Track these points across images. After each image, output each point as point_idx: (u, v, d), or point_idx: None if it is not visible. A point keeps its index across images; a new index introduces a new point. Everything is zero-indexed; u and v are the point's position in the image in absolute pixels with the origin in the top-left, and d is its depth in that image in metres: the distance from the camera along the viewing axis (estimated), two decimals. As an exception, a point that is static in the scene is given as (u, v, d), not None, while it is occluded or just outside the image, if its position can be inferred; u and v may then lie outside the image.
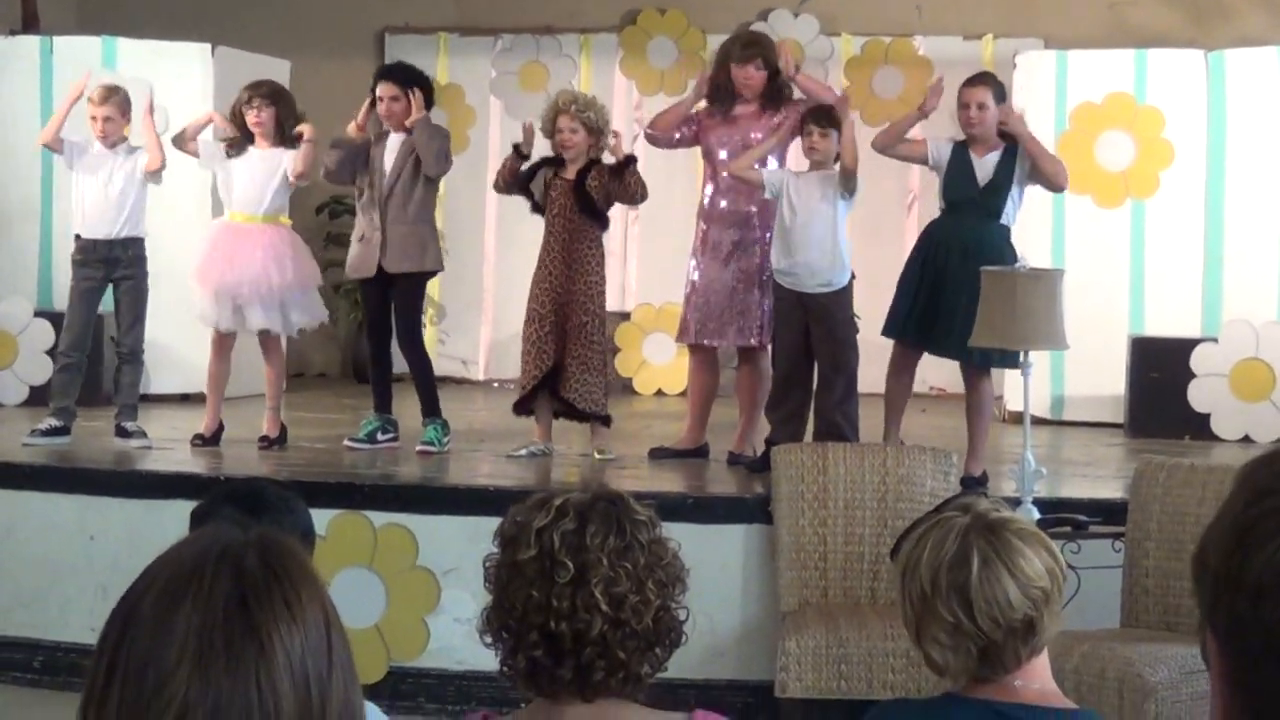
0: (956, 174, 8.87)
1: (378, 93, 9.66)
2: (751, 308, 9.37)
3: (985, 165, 8.81)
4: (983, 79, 9.07)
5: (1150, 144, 11.51)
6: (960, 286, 8.57)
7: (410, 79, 9.74)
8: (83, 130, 9.92)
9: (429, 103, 9.78)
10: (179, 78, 12.00)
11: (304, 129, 9.71)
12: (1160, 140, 11.49)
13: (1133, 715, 6.39)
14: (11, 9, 12.87)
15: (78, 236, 9.75)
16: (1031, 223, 11.48)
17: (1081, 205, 11.54)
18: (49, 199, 11.75)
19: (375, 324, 9.86)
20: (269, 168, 9.69)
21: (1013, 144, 8.83)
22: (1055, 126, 11.62)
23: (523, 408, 9.51)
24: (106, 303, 9.91)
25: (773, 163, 9.27)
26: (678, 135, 9.72)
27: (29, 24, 12.96)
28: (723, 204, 9.48)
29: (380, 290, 9.73)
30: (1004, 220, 8.83)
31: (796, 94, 9.56)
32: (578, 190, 9.28)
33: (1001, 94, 8.94)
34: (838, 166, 8.98)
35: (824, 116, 9.04)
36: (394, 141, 9.66)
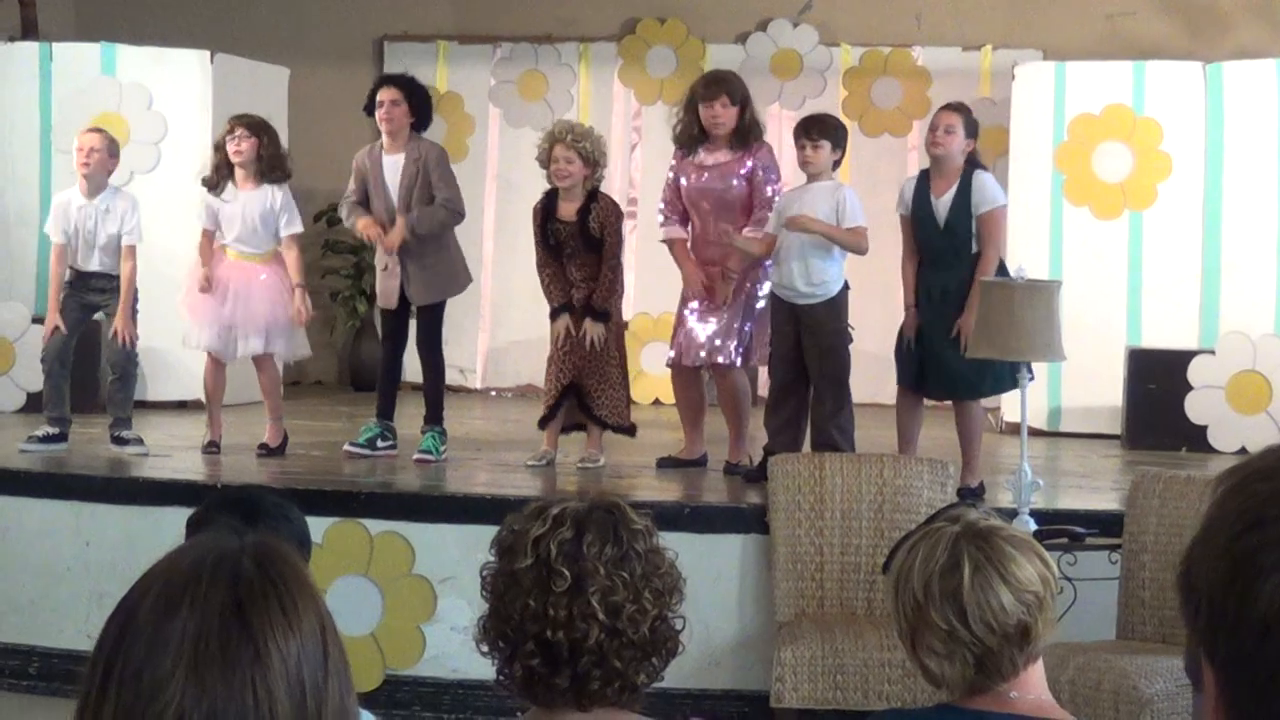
0: (921, 219, 8.90)
1: (378, 97, 9.64)
2: (733, 331, 9.40)
3: (943, 206, 8.83)
4: (957, 106, 9.13)
5: (1148, 155, 11.51)
6: (940, 334, 8.73)
7: (411, 85, 9.74)
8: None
9: (428, 115, 9.77)
10: (178, 84, 12.01)
11: (293, 247, 9.71)
12: (1158, 152, 11.50)
13: (1128, 727, 6.38)
14: (10, 16, 12.87)
15: (71, 268, 9.74)
16: (1029, 234, 11.50)
17: (1079, 216, 11.55)
18: (47, 205, 11.68)
19: (393, 331, 9.96)
20: (261, 208, 9.65)
21: (970, 168, 8.83)
22: (1053, 138, 11.63)
23: (544, 424, 9.60)
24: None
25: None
26: (677, 221, 9.71)
27: (28, 31, 12.96)
28: (709, 252, 9.53)
29: (401, 302, 9.81)
30: (974, 250, 8.81)
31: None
32: (583, 231, 9.33)
33: (974, 128, 8.94)
34: (835, 175, 9.02)
35: (813, 128, 9.04)
36: (392, 163, 9.63)
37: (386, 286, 9.78)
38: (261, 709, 1.67)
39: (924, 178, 8.98)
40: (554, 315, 9.51)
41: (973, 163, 8.90)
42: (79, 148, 9.64)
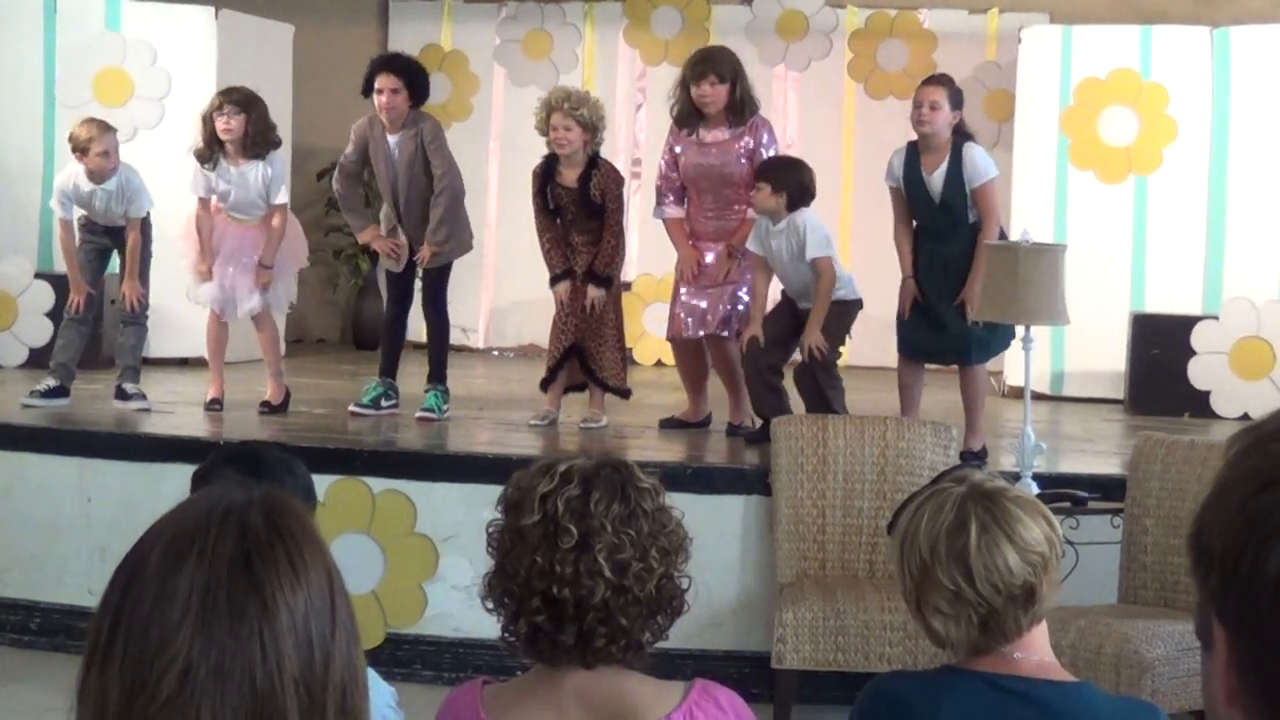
0: (914, 194, 8.88)
1: (376, 85, 9.57)
2: (728, 304, 9.40)
3: (935, 181, 8.80)
4: (940, 79, 9.06)
5: (1154, 120, 11.48)
6: (937, 297, 8.75)
7: (410, 70, 9.69)
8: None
9: (423, 95, 9.75)
10: (182, 40, 11.98)
11: (276, 215, 9.70)
12: (1164, 116, 11.47)
13: (1129, 691, 6.39)
14: (15, -30, 12.83)
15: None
16: (1034, 197, 11.49)
17: (1084, 181, 11.53)
18: (51, 158, 11.72)
19: (399, 292, 9.99)
20: (252, 178, 9.65)
21: (960, 140, 8.81)
22: (1059, 101, 11.60)
23: (546, 386, 9.63)
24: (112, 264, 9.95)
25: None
26: (675, 200, 9.68)
27: (32, -16, 12.91)
28: (708, 227, 9.52)
29: (408, 269, 9.85)
30: (972, 220, 8.79)
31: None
32: (583, 198, 9.33)
33: (958, 100, 8.89)
34: (786, 216, 8.89)
35: (759, 171, 9.00)
36: (394, 141, 9.63)
37: (384, 249, 9.81)
38: (269, 662, 1.67)
39: (913, 150, 8.91)
40: (554, 281, 9.52)
41: (961, 134, 8.86)
42: (87, 152, 9.51)
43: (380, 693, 3.79)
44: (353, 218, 10.02)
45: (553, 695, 3.05)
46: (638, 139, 13.88)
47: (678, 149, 9.57)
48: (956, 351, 8.88)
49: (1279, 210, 11.31)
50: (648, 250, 13.06)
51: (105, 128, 9.63)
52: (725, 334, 9.43)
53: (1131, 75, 11.53)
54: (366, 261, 13.46)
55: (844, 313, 8.99)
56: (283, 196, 9.74)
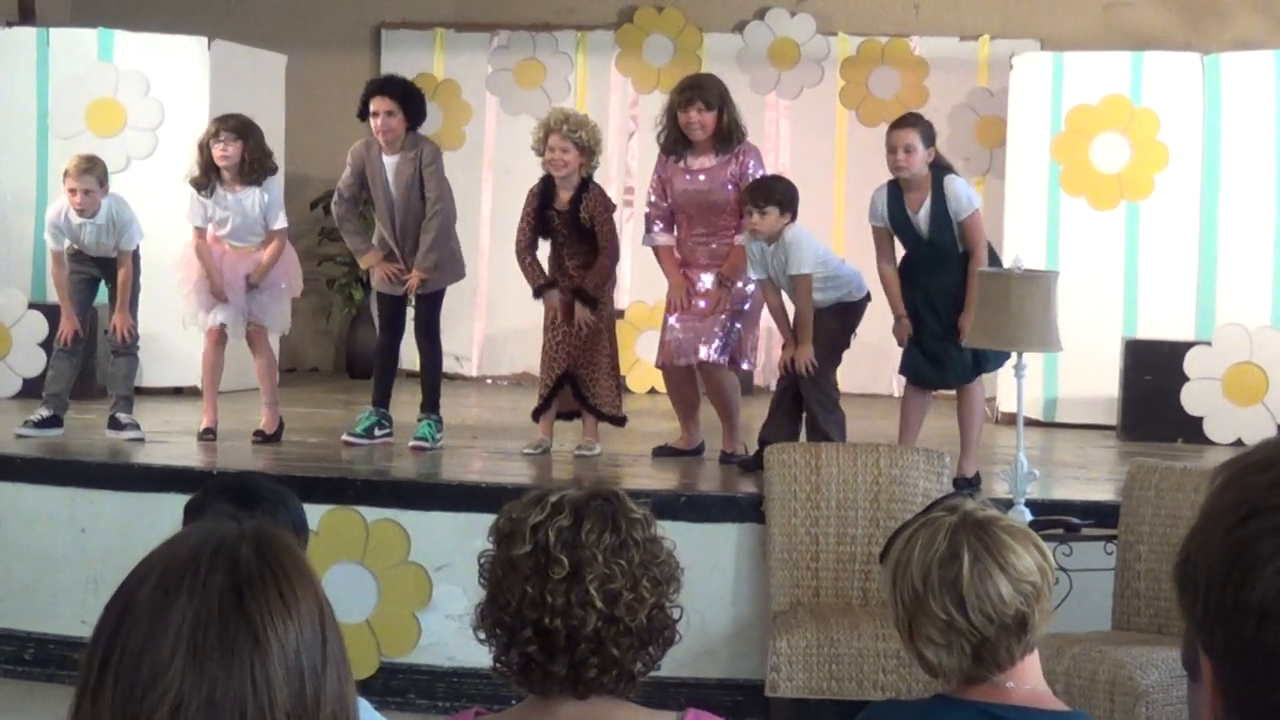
0: (902, 232, 8.88)
1: (372, 107, 9.57)
2: (719, 331, 9.38)
3: (922, 220, 8.79)
4: (910, 120, 9.00)
5: (1145, 146, 11.50)
6: (937, 329, 8.75)
7: (405, 92, 9.69)
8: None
9: (422, 115, 9.76)
10: (175, 70, 12.00)
11: (274, 240, 9.72)
12: (1155, 143, 11.49)
13: (1123, 718, 6.39)
14: (7, 1, 12.85)
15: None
16: (1026, 224, 11.51)
17: (1076, 207, 11.55)
18: (44, 189, 11.73)
19: (391, 321, 9.95)
20: (249, 205, 9.67)
21: (939, 174, 8.81)
22: (1051, 128, 11.62)
23: (539, 415, 9.61)
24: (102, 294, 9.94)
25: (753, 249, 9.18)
26: (664, 228, 9.68)
27: (25, 15, 12.95)
28: (697, 251, 9.51)
29: (400, 296, 9.83)
30: (960, 250, 8.80)
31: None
32: (574, 221, 9.35)
33: (930, 137, 8.87)
34: (779, 238, 8.92)
35: (759, 195, 8.97)
36: (391, 164, 9.62)
37: (387, 273, 9.79)
38: (260, 696, 1.67)
39: (894, 188, 8.89)
40: (540, 291, 9.50)
41: (939, 167, 8.85)
42: (70, 190, 9.56)
43: (373, 723, 3.78)
44: (354, 241, 9.97)
45: (544, 726, 3.05)
46: (630, 167, 13.89)
47: (665, 176, 9.58)
48: (959, 378, 8.88)
49: (1271, 235, 11.32)
50: (640, 278, 13.07)
51: (84, 168, 9.58)
52: (719, 361, 9.43)
53: (1123, 102, 11.55)
54: (360, 290, 13.47)
55: (848, 312, 9.00)
56: (281, 222, 9.76)
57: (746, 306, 9.43)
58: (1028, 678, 3.26)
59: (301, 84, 13.05)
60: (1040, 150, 11.63)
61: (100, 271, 9.77)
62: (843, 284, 9.00)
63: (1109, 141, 11.55)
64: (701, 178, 9.45)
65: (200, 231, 9.71)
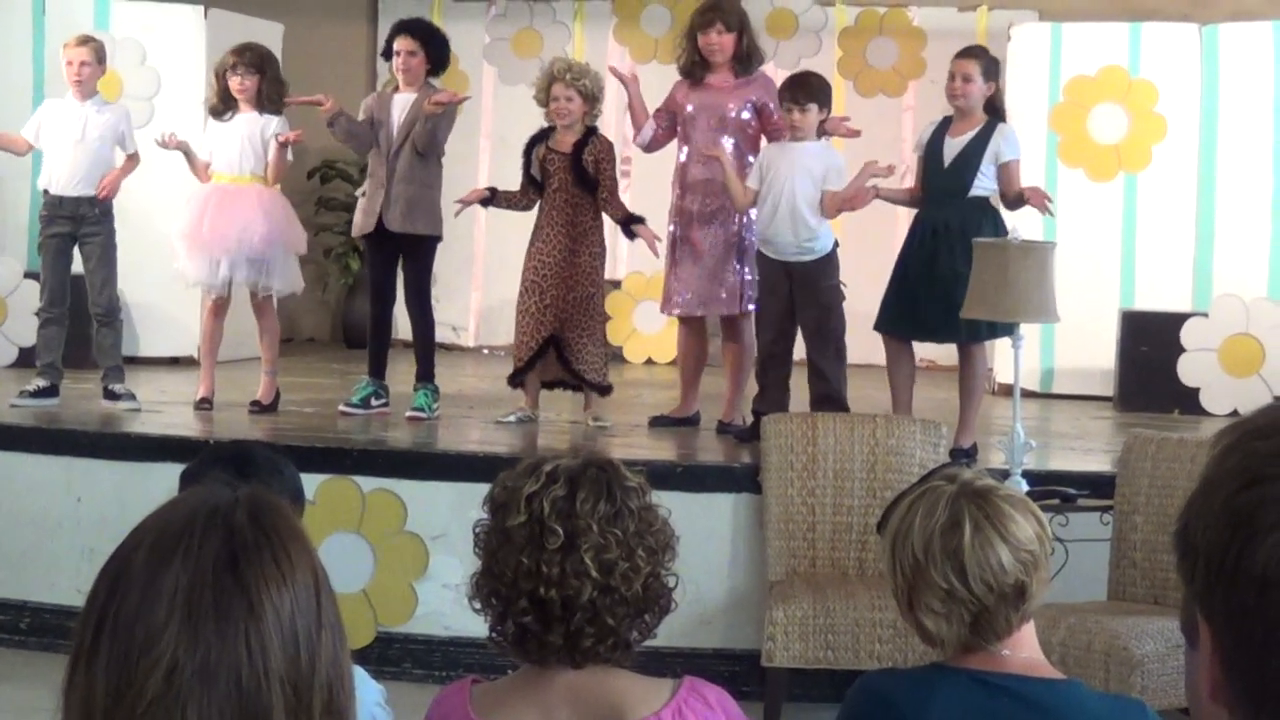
0: (928, 162, 8.91)
1: (395, 46, 9.59)
2: (730, 277, 9.36)
3: (955, 145, 8.82)
4: (973, 52, 9.12)
5: (1143, 118, 11.49)
6: (942, 272, 8.65)
7: (428, 33, 9.69)
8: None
9: (445, 61, 9.76)
10: (171, 39, 11.98)
11: (284, 135, 9.65)
12: (1153, 114, 11.48)
13: (1119, 688, 6.39)
14: (3, -32, 12.81)
15: (46, 192, 9.73)
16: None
17: (1074, 178, 11.54)
18: (38, 159, 11.68)
19: (379, 288, 9.86)
20: (253, 130, 9.65)
21: (994, 119, 8.83)
22: (1049, 99, 11.61)
23: (517, 379, 9.51)
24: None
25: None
26: (658, 131, 9.66)
27: (21, -17, 12.90)
28: (696, 172, 9.45)
29: (386, 254, 9.71)
30: (975, 192, 8.80)
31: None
32: (575, 165, 9.28)
33: (993, 70, 8.92)
34: (819, 139, 8.99)
35: (799, 91, 8.98)
36: (403, 100, 9.58)
37: (366, 211, 9.61)
38: (255, 661, 1.67)
39: (945, 121, 8.98)
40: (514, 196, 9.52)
41: (995, 112, 8.87)
42: (68, 61, 9.69)
43: (368, 691, 3.79)
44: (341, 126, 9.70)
45: (541, 694, 3.05)
46: (626, 136, 13.85)
47: (678, 96, 9.54)
48: (947, 327, 8.75)
49: (1268, 207, 11.33)
50: (638, 248, 13.04)
51: (81, 40, 9.76)
52: (741, 311, 9.37)
53: (1121, 73, 11.54)
54: (356, 260, 13.46)
55: (836, 264, 9.00)
56: (281, 125, 9.71)
57: (744, 245, 9.36)
58: (1024, 646, 3.26)
59: (298, 53, 13.00)
60: (1038, 121, 11.61)
61: (72, 227, 9.67)
62: (829, 230, 9.02)
63: (1107, 112, 11.54)
64: (716, 91, 9.42)
65: (205, 166, 9.68)
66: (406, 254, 9.66)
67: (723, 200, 9.31)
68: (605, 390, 9.54)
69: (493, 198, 9.62)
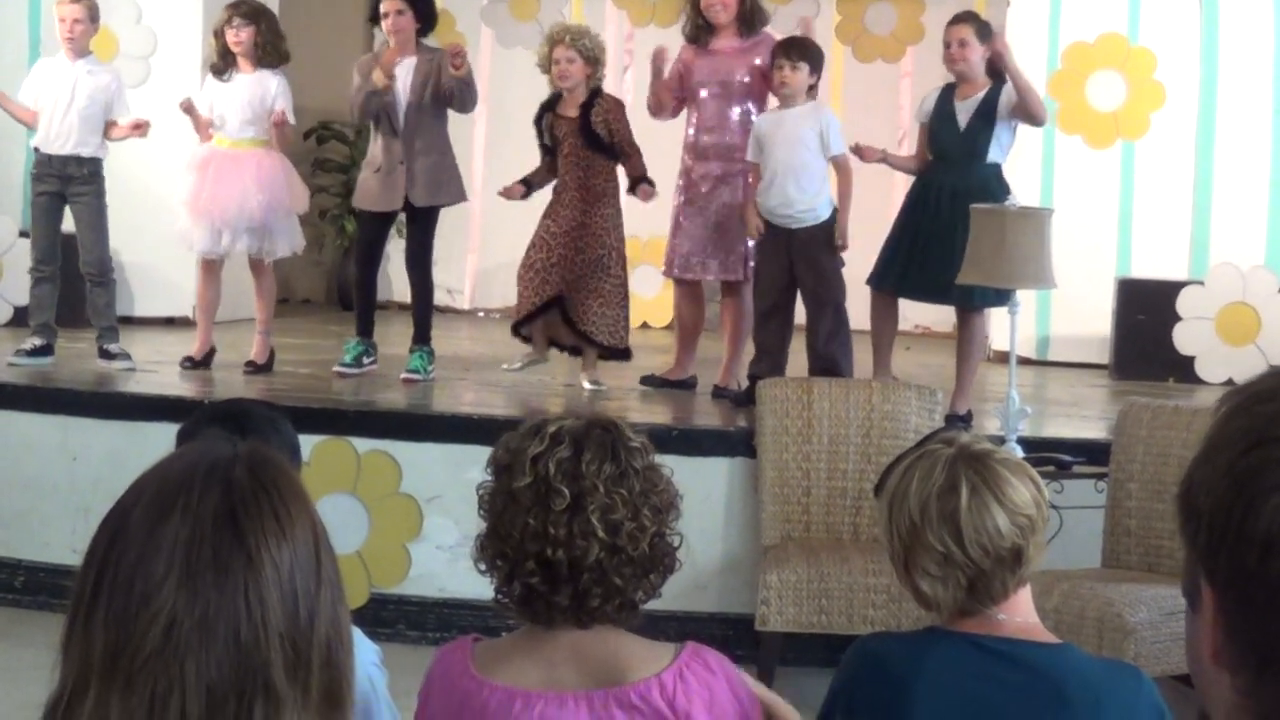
0: (940, 125, 8.91)
1: (382, 8, 9.49)
2: (734, 242, 9.36)
3: (966, 108, 8.82)
4: (964, 17, 9.13)
5: (1142, 85, 11.47)
6: (951, 231, 8.59)
7: None
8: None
9: (433, 18, 9.68)
10: (168, 1, 11.93)
11: (284, 115, 9.62)
12: (1152, 81, 11.46)
13: (1112, 655, 6.40)
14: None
15: (36, 150, 9.70)
16: (1021, 161, 11.45)
17: (1071, 145, 11.52)
18: (34, 119, 11.67)
19: (371, 250, 9.79)
20: (255, 93, 9.62)
21: (999, 82, 8.83)
22: (1047, 65, 11.58)
23: (520, 330, 9.51)
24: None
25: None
26: (674, 106, 9.66)
27: (17, -59, 12.85)
28: (705, 140, 9.44)
29: (385, 219, 9.69)
30: (991, 158, 8.82)
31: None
32: (584, 129, 9.27)
33: (985, 32, 8.94)
34: (808, 101, 8.98)
35: (793, 49, 8.99)
36: (404, 66, 9.46)
37: (388, 188, 9.48)
38: (254, 615, 1.67)
39: (949, 89, 8.98)
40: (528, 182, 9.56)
41: (999, 75, 8.86)
42: (60, 19, 9.66)
43: (364, 650, 3.78)
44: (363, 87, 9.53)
45: (544, 652, 3.06)
46: (625, 100, 13.82)
47: (686, 60, 9.52)
48: (943, 289, 8.73)
49: (1266, 175, 11.31)
50: (635, 211, 13.02)
51: (84, 2, 9.68)
52: (740, 278, 9.37)
53: (1119, 40, 11.51)
54: (352, 222, 13.42)
55: (834, 222, 8.99)
56: (289, 116, 9.68)
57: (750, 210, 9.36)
58: (1019, 610, 3.27)
59: (295, 15, 12.95)
60: (1037, 87, 11.57)
61: (62, 187, 9.64)
62: (828, 195, 9.02)
63: (1105, 80, 11.51)
64: (722, 56, 9.41)
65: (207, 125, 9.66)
66: (414, 220, 9.62)
67: (729, 167, 9.32)
68: (622, 354, 9.49)
69: (529, 188, 9.58)
